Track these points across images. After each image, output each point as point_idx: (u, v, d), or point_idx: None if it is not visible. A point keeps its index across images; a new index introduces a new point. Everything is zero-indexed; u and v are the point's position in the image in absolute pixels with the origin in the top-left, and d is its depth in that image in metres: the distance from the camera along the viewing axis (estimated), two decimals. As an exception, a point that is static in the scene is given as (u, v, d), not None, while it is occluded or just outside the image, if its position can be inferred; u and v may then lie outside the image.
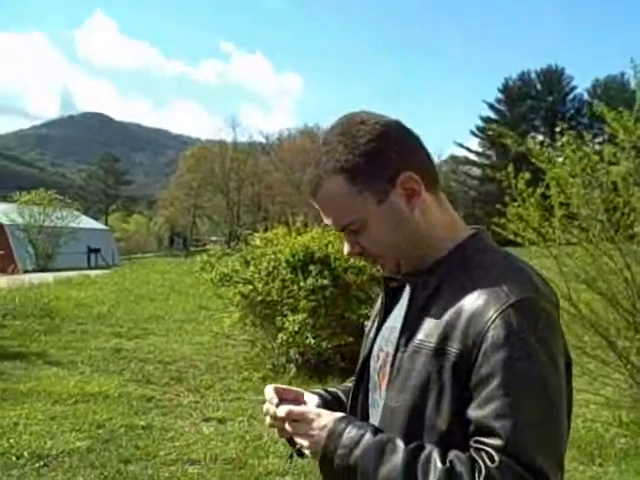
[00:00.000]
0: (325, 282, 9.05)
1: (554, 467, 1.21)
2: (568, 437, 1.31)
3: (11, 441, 5.90)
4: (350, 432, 1.32)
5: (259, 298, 9.43)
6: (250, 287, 9.59)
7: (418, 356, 1.33)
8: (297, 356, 9.12)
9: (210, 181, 74.21)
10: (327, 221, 1.46)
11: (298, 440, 1.41)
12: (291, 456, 1.63)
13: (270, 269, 9.54)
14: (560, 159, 5.93)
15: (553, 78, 69.22)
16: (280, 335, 9.02)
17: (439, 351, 1.30)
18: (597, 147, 6.52)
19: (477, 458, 1.20)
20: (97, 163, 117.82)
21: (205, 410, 7.34)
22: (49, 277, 23.36)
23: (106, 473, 5.31)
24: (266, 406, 1.54)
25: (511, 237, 6.23)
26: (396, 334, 1.43)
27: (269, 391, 1.56)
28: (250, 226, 63.29)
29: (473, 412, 1.24)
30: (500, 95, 69.85)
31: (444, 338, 1.30)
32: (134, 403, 7.45)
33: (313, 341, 8.76)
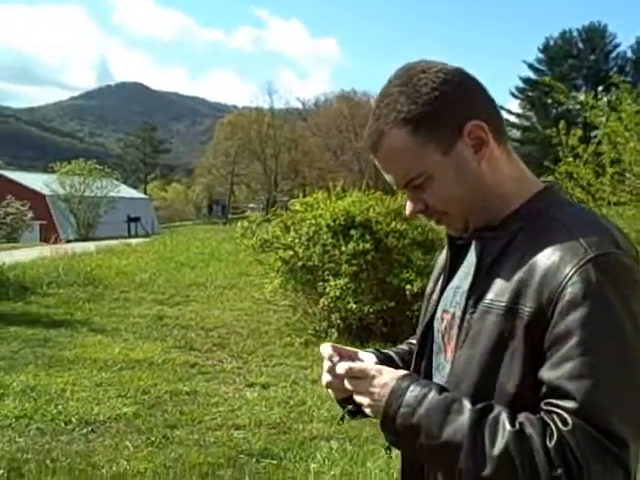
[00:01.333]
0: (367, 246, 8.97)
1: (633, 433, 1.12)
2: None
3: (59, 407, 5.98)
4: (414, 390, 1.25)
5: (300, 263, 9.39)
6: (291, 252, 9.55)
7: (488, 316, 1.25)
8: (339, 321, 9.08)
9: (247, 148, 74.22)
10: (388, 177, 1.37)
11: (358, 399, 1.33)
12: (342, 418, 1.56)
13: (311, 234, 9.48)
14: (613, 114, 5.71)
15: (595, 36, 67.40)
16: (322, 300, 8.99)
17: (511, 310, 1.21)
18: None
19: (549, 421, 1.13)
20: (135, 132, 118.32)
21: (248, 376, 7.36)
22: (91, 246, 23.62)
23: (153, 438, 5.35)
24: (325, 363, 1.48)
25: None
26: (463, 295, 1.35)
27: (327, 349, 1.49)
28: (287, 192, 63.43)
29: (546, 373, 1.16)
30: (540, 55, 68.37)
31: (516, 297, 1.21)
32: (178, 369, 7.50)
33: (355, 306, 8.71)
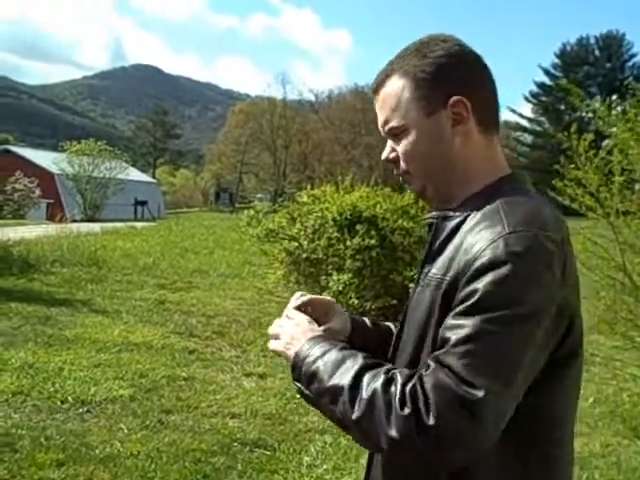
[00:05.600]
0: (372, 242, 8.96)
1: (491, 386, 1.11)
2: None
3: (56, 385, 5.98)
4: (323, 345, 1.32)
5: (304, 255, 9.40)
6: (295, 244, 9.56)
7: (426, 289, 1.34)
8: (340, 316, 9.06)
9: (258, 137, 74.25)
10: (379, 120, 1.46)
11: (274, 343, 1.45)
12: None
13: (316, 227, 9.48)
14: (626, 122, 5.68)
15: (613, 44, 67.21)
16: (324, 294, 8.97)
17: (440, 283, 1.29)
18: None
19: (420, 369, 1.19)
20: (147, 115, 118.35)
21: (246, 365, 7.35)
22: (96, 227, 23.67)
23: (147, 422, 5.35)
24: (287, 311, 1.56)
25: (566, 203, 6.04)
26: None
27: (296, 298, 1.59)
28: (296, 184, 63.40)
29: (440, 332, 1.21)
30: (556, 60, 68.19)
31: (445, 270, 1.29)
32: (177, 355, 7.50)
33: (357, 302, 8.71)
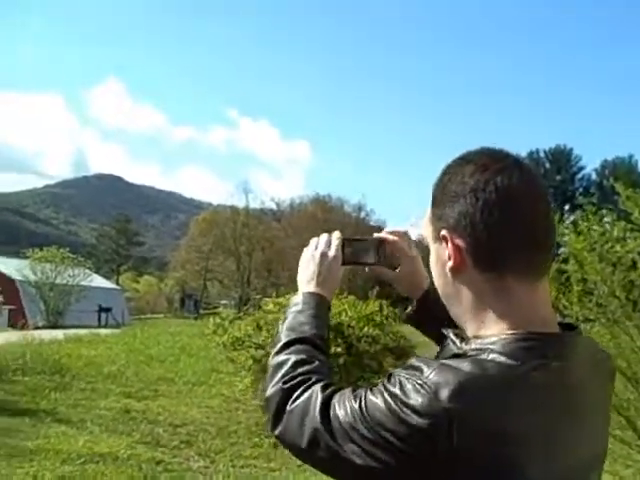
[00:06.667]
0: (338, 350, 9.03)
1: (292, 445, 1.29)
2: None
3: (20, 499, 5.85)
4: (307, 310, 1.51)
5: (272, 363, 9.41)
6: (262, 352, 9.58)
7: None
8: (309, 424, 9.02)
9: (221, 245, 74.52)
10: None
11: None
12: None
13: (284, 334, 9.55)
14: (578, 234, 6.00)
15: (562, 157, 69.98)
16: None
17: None
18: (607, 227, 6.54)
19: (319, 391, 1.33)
20: (109, 223, 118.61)
21: (215, 476, 7.26)
22: (60, 334, 23.30)
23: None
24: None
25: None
26: None
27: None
28: (260, 291, 63.33)
29: None
30: (509, 172, 70.36)
31: None
32: (143, 466, 7.38)
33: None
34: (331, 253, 1.60)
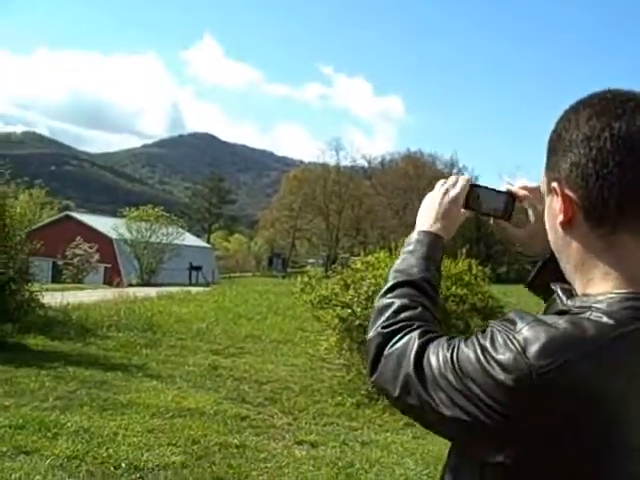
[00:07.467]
0: (425, 309, 8.89)
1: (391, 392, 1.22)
2: None
3: (110, 451, 6.01)
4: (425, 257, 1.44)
5: (357, 322, 9.36)
6: (349, 311, 9.53)
7: None
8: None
9: (311, 203, 74.99)
10: None
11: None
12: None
13: (370, 293, 9.44)
14: None
15: None
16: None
17: None
18: None
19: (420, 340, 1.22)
20: (203, 182, 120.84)
21: (298, 433, 7.30)
22: (152, 292, 24.01)
23: (199, 490, 5.33)
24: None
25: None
26: None
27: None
28: (349, 249, 63.53)
29: None
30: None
31: None
32: (229, 421, 7.49)
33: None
34: (453, 192, 1.53)
